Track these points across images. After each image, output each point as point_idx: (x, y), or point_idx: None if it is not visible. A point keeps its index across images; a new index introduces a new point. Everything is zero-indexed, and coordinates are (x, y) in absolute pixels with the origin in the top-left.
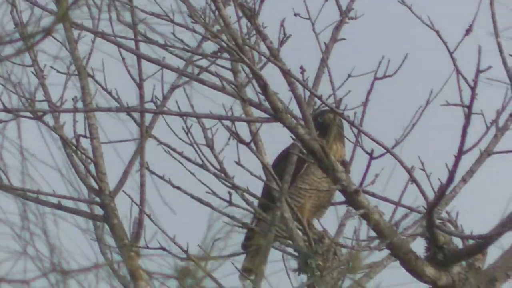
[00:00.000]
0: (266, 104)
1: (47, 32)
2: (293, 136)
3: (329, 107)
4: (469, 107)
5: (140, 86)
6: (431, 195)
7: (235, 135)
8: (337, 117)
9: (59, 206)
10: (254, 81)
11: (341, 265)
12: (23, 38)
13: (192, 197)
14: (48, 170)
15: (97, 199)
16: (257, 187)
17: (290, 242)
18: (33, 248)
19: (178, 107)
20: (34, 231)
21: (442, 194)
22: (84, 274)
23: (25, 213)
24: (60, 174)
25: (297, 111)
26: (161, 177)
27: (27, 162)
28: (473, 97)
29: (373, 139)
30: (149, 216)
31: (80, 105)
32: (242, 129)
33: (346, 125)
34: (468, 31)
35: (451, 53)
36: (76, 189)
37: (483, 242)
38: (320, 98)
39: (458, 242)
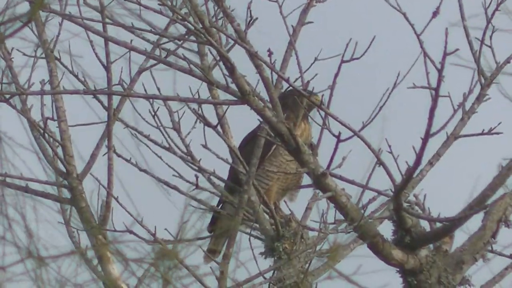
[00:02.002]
0: (234, 86)
1: (28, 20)
2: (260, 119)
3: (296, 89)
4: (436, 89)
5: (107, 69)
6: (398, 178)
7: (201, 118)
8: (304, 100)
9: (26, 189)
10: (221, 63)
11: (308, 249)
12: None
13: (159, 180)
14: (14, 153)
15: (65, 182)
16: (224, 170)
17: (257, 225)
18: (10, 233)
19: (145, 90)
20: (13, 216)
21: (410, 177)
22: (60, 261)
23: (3, 198)
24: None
25: (264, 94)
26: (128, 160)
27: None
28: (440, 79)
29: (340, 122)
30: (116, 199)
31: (47, 88)
32: (209, 112)
33: (313, 107)
34: (435, 13)
35: (418, 36)
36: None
37: (450, 225)
38: (287, 80)
39: (425, 225)
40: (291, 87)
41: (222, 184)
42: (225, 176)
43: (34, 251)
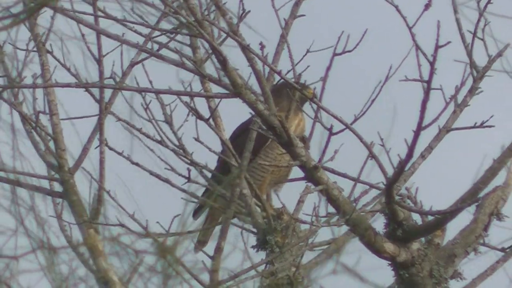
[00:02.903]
0: (226, 79)
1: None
2: (253, 112)
3: (288, 82)
4: (428, 82)
5: (99, 62)
6: (390, 171)
7: (194, 111)
8: (297, 92)
9: (18, 183)
10: (213, 57)
11: (300, 242)
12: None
13: (151, 173)
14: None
15: (57, 175)
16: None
17: (249, 218)
18: (22, 224)
19: (137, 83)
20: (25, 207)
21: (402, 170)
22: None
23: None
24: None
25: (256, 87)
26: (120, 154)
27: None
28: (432, 72)
29: (332, 115)
30: (108, 193)
31: (39, 81)
32: (201, 106)
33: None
34: (427, 6)
35: (410, 28)
36: None
37: (442, 218)
38: (279, 73)
39: (417, 218)
40: (283, 80)
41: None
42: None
43: (46, 241)
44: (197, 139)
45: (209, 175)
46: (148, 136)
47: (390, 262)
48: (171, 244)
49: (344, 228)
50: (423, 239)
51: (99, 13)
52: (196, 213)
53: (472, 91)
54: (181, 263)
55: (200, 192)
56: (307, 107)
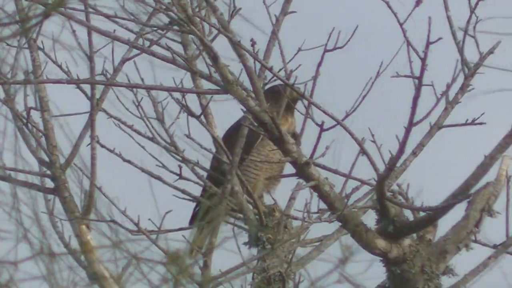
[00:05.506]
0: (217, 76)
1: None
2: (244, 108)
3: (279, 79)
4: (419, 78)
5: (90, 59)
6: (381, 168)
7: (185, 108)
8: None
9: (9, 179)
10: (204, 53)
11: (291, 238)
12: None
13: (143, 170)
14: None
15: (48, 172)
16: (208, 161)
17: (241, 215)
18: (22, 229)
19: (128, 79)
20: (25, 212)
21: (393, 166)
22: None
23: (15, 193)
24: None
25: (247, 83)
26: (112, 151)
27: None
28: (423, 68)
29: (323, 111)
30: (99, 189)
31: (31, 78)
32: (193, 103)
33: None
34: (418, 2)
35: (401, 24)
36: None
37: (434, 214)
38: (270, 69)
39: (409, 214)
40: (273, 83)
41: (206, 175)
42: (208, 166)
43: (46, 247)
44: (188, 136)
45: (200, 172)
46: (139, 133)
47: (381, 258)
48: (181, 253)
49: (335, 225)
50: (414, 235)
51: (90, 10)
52: (193, 220)
53: (463, 88)
54: (190, 274)
55: (190, 190)
56: (298, 104)
